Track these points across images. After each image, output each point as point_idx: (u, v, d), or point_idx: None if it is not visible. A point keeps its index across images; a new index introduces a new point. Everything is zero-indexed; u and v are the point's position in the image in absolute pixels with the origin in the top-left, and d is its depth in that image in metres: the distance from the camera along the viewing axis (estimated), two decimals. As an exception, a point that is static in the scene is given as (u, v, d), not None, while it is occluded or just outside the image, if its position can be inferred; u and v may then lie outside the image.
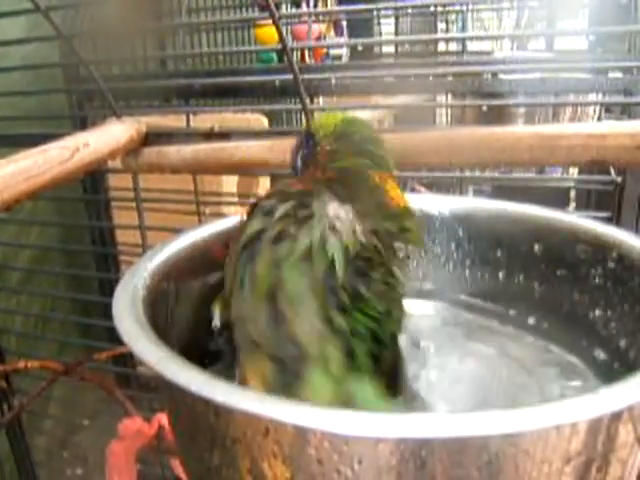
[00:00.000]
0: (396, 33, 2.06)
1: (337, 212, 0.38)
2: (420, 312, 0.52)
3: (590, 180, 0.85)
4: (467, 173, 0.97)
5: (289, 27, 1.77)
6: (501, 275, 0.52)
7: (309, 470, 0.27)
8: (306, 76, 0.80)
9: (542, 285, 0.50)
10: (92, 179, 1.12)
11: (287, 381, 0.34)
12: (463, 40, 1.30)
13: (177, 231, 0.49)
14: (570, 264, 0.48)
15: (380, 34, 2.09)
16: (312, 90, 0.94)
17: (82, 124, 1.05)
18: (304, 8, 1.77)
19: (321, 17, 1.89)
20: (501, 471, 0.26)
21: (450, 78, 0.86)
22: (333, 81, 0.91)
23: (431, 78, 0.86)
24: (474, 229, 0.53)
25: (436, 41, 1.88)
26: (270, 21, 0.70)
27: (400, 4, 1.60)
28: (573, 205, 1.28)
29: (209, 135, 0.83)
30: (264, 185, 1.30)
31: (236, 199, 1.17)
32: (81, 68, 1.01)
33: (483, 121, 1.33)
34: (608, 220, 0.75)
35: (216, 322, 0.42)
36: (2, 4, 0.85)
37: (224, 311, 0.41)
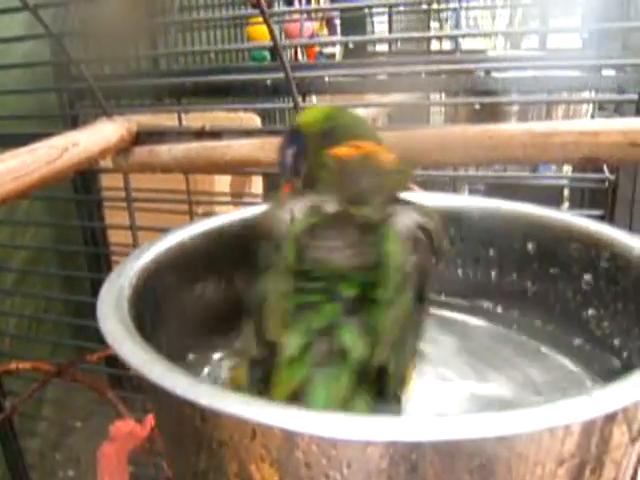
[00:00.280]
0: (389, 31, 2.06)
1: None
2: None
3: (583, 178, 0.84)
4: (461, 172, 0.97)
5: (282, 25, 1.76)
6: (494, 274, 0.51)
7: (297, 474, 0.27)
8: (299, 74, 0.80)
9: (535, 284, 0.49)
10: (83, 179, 1.12)
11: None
12: (456, 38, 1.29)
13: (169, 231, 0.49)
14: (563, 263, 0.47)
15: (373, 32, 2.08)
16: (305, 88, 0.94)
17: (73, 123, 1.04)
18: (296, 6, 1.76)
19: (314, 15, 1.88)
20: (494, 474, 0.26)
21: (443, 76, 0.86)
22: (326, 79, 0.90)
23: (424, 76, 0.85)
24: (466, 227, 0.52)
25: (429, 39, 1.87)
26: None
27: (393, 1, 1.60)
28: (567, 203, 1.28)
29: (201, 134, 0.82)
30: (257, 184, 1.29)
31: (229, 198, 1.16)
32: (72, 67, 1.00)
33: (476, 119, 1.32)
34: (601, 218, 0.75)
35: None
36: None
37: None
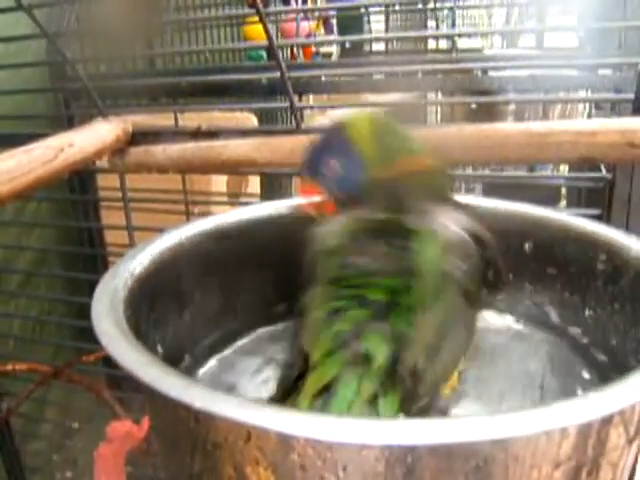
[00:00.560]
0: (386, 31, 2.06)
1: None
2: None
3: (580, 177, 0.84)
4: (458, 171, 0.96)
5: (278, 25, 1.76)
6: (490, 274, 0.51)
7: (293, 476, 0.27)
8: (295, 74, 0.80)
9: (532, 284, 0.49)
10: (80, 179, 1.11)
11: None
12: (453, 37, 1.29)
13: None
14: (560, 262, 0.47)
15: (370, 32, 2.08)
16: (301, 88, 0.94)
17: (69, 123, 1.04)
18: (293, 5, 1.76)
19: (310, 15, 1.87)
20: (490, 477, 0.25)
21: (440, 76, 0.86)
22: (323, 79, 0.90)
23: (421, 76, 0.85)
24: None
25: (426, 38, 1.88)
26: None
27: (389, 1, 1.59)
28: (564, 203, 1.28)
29: (197, 134, 0.82)
30: (254, 184, 1.29)
31: (225, 198, 1.16)
32: (67, 67, 1.00)
33: (473, 118, 1.32)
34: (598, 217, 0.75)
35: None
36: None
37: None
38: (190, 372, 0.44)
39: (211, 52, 1.58)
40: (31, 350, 1.22)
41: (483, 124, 0.65)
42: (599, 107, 0.94)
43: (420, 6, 1.68)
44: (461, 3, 1.72)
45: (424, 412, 0.34)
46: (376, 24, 2.13)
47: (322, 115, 1.05)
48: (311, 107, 0.93)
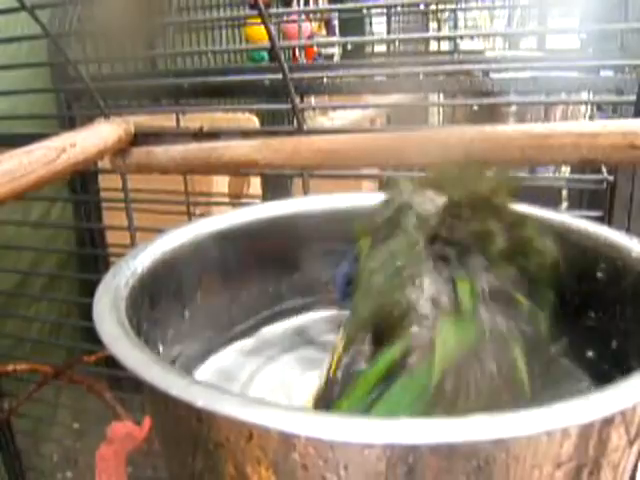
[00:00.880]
0: (388, 32, 2.06)
1: None
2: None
3: (582, 179, 0.84)
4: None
5: (280, 26, 1.76)
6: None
7: (294, 476, 0.27)
8: (297, 75, 0.80)
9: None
10: (82, 180, 1.12)
11: None
12: (455, 39, 1.29)
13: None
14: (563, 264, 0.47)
15: (372, 33, 2.08)
16: (303, 89, 0.94)
17: (71, 124, 1.04)
18: (295, 6, 1.76)
19: (312, 16, 1.88)
20: (491, 477, 0.25)
21: (441, 77, 0.86)
22: (325, 80, 0.90)
23: (422, 77, 0.85)
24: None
25: (428, 40, 1.88)
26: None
27: (391, 2, 1.59)
28: (565, 204, 1.28)
29: (199, 135, 0.82)
30: (255, 185, 1.29)
31: (227, 199, 1.16)
32: (69, 67, 1.00)
33: (474, 120, 1.32)
34: (600, 219, 0.75)
35: None
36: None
37: None
38: (191, 371, 0.44)
39: (213, 53, 1.58)
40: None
41: (485, 126, 0.65)
42: (601, 109, 0.94)
43: (422, 8, 1.69)
44: (463, 5, 1.72)
45: None
46: (378, 26, 2.14)
47: (324, 116, 1.06)
48: (313, 108, 0.93)
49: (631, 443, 0.28)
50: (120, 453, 0.76)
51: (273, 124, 1.71)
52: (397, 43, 1.90)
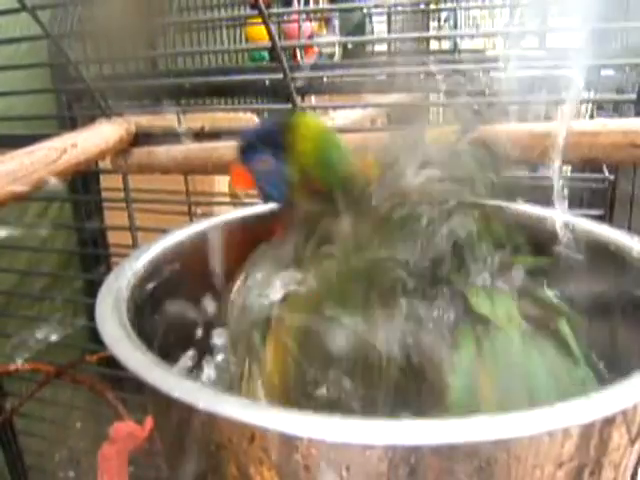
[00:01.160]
0: (388, 31, 2.06)
1: None
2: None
3: (583, 178, 0.84)
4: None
5: (281, 26, 1.76)
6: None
7: (296, 477, 0.27)
8: (297, 75, 0.80)
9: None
10: (83, 180, 1.11)
11: None
12: (455, 38, 1.29)
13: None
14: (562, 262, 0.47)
15: (372, 33, 2.08)
16: (304, 89, 0.94)
17: (72, 124, 1.04)
18: (295, 6, 1.76)
19: (313, 16, 1.88)
20: (492, 477, 0.25)
21: (442, 76, 0.86)
22: (325, 80, 0.90)
23: (423, 76, 0.85)
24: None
25: (428, 39, 1.87)
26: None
27: (392, 1, 1.59)
28: (566, 203, 1.28)
29: (200, 135, 0.82)
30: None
31: (228, 199, 1.16)
32: (70, 68, 1.00)
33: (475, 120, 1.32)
34: (601, 218, 0.75)
35: None
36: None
37: None
38: (193, 373, 0.44)
39: (214, 53, 1.58)
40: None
41: (485, 125, 0.65)
42: (601, 107, 0.94)
43: (422, 7, 1.68)
44: (463, 4, 1.72)
45: None
46: (378, 25, 2.13)
47: (324, 115, 1.05)
48: (314, 108, 0.93)
49: (632, 442, 0.28)
50: (122, 453, 0.77)
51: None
52: (397, 42, 1.90)
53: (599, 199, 0.77)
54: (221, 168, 0.84)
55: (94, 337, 1.10)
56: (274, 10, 1.31)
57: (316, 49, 1.99)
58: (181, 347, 0.44)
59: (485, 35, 2.18)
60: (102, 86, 0.84)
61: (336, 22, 2.11)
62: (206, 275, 0.48)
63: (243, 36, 1.72)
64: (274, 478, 0.27)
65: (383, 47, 1.93)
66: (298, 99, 0.79)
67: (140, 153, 0.82)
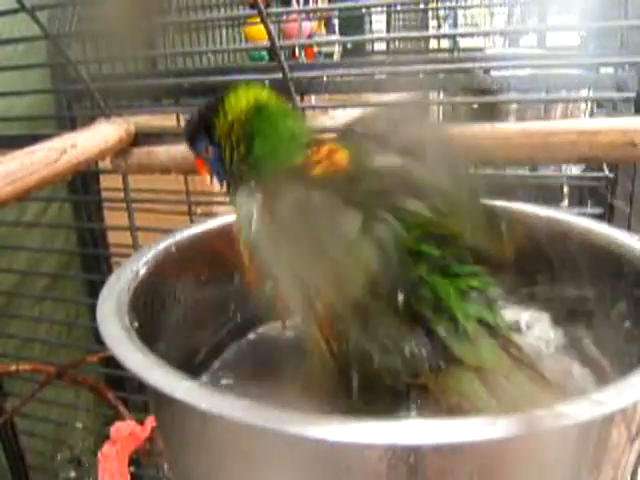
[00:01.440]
0: (387, 30, 2.06)
1: None
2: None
3: (583, 176, 0.84)
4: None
5: (280, 25, 1.76)
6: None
7: (297, 477, 0.27)
8: (297, 74, 0.80)
9: (529, 285, 0.49)
10: (83, 180, 1.11)
11: None
12: (454, 37, 1.29)
13: (169, 232, 0.49)
14: (563, 262, 0.47)
15: (372, 32, 2.08)
16: (303, 88, 0.94)
17: (71, 125, 1.04)
18: (294, 6, 1.76)
19: (312, 15, 1.87)
20: (492, 476, 0.26)
21: (441, 75, 0.86)
22: (324, 79, 0.90)
23: (422, 75, 0.85)
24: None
25: (428, 38, 1.87)
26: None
27: (391, 0, 1.59)
28: (566, 201, 1.28)
29: (199, 135, 0.82)
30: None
31: (228, 199, 1.16)
32: (69, 68, 1.00)
33: (474, 118, 1.32)
34: (600, 217, 0.75)
35: None
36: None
37: None
38: (194, 373, 0.44)
39: (213, 53, 1.58)
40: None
41: (485, 124, 0.65)
42: (601, 106, 0.94)
43: (422, 6, 1.68)
44: (462, 3, 1.72)
45: None
46: (378, 24, 2.13)
47: (324, 115, 1.06)
48: (313, 107, 0.93)
49: (632, 440, 0.28)
50: (123, 453, 0.77)
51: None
52: (397, 41, 1.90)
53: (599, 198, 0.77)
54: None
55: (95, 337, 1.10)
56: (273, 9, 1.31)
57: (315, 48, 1.99)
58: (183, 348, 0.44)
59: (485, 34, 2.18)
60: (101, 86, 0.84)
61: (335, 21, 2.11)
62: (207, 276, 0.48)
63: (242, 36, 1.72)
64: (275, 478, 0.28)
65: (382, 46, 1.93)
66: (298, 98, 0.79)
67: (140, 153, 0.82)
